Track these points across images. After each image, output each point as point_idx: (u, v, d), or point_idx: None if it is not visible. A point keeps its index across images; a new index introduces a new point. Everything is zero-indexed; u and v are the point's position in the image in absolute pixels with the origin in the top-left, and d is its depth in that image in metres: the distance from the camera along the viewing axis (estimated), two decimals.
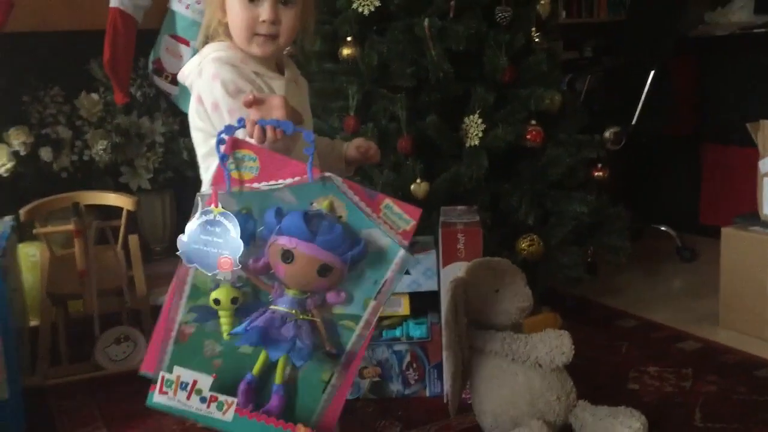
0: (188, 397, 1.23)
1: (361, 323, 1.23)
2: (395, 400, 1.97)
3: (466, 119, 2.31)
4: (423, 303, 1.96)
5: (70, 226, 2.18)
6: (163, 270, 2.39)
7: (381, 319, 1.94)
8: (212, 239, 1.21)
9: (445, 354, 1.84)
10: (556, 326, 1.78)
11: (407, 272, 1.92)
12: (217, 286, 1.23)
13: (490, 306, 1.66)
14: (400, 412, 1.90)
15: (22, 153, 2.78)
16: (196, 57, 1.45)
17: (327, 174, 1.23)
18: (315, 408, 1.24)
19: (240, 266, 1.21)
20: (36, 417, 1.95)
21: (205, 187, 1.46)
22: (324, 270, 1.20)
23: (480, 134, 2.28)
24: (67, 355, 2.21)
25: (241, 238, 1.23)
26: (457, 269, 1.76)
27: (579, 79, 3.09)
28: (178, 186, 3.15)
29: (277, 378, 1.24)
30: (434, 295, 1.92)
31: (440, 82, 2.28)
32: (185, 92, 2.98)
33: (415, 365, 1.98)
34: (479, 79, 2.34)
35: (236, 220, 1.21)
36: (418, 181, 2.23)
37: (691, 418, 1.79)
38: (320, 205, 1.21)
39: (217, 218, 1.21)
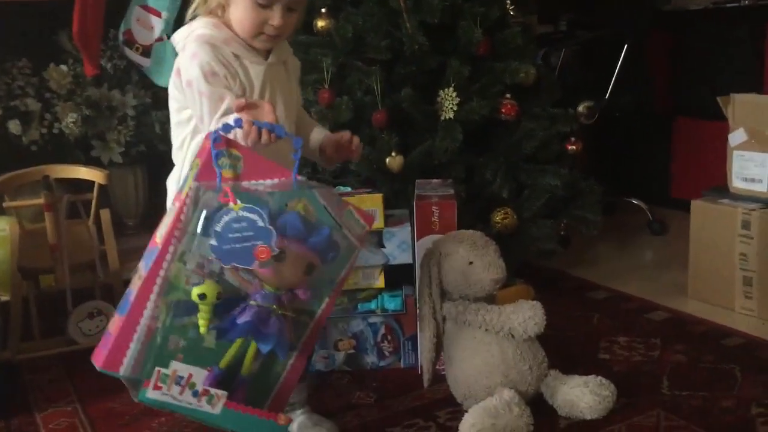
0: (181, 392, 1.24)
1: (316, 317, 1.32)
2: (370, 372, 1.99)
3: (441, 92, 2.30)
4: (398, 276, 1.97)
5: (41, 200, 2.15)
6: (135, 244, 2.36)
7: (356, 291, 1.96)
8: (242, 235, 1.23)
9: (419, 326, 1.85)
10: (529, 298, 1.80)
11: (382, 245, 1.93)
12: (199, 282, 1.23)
13: (464, 278, 1.68)
14: (374, 384, 1.92)
15: None
16: (187, 27, 1.47)
17: (309, 181, 1.32)
18: (269, 394, 1.32)
19: (278, 251, 1.23)
20: (8, 392, 1.93)
21: (174, 153, 1.50)
22: (310, 269, 1.25)
23: (455, 107, 2.28)
24: (40, 329, 2.19)
25: None
26: (432, 242, 1.77)
27: (554, 53, 3.09)
28: (151, 160, 3.11)
29: (245, 369, 1.28)
30: (409, 268, 1.93)
31: (415, 54, 2.27)
32: (157, 64, 2.94)
33: (389, 337, 1.99)
34: (454, 52, 2.33)
35: (259, 209, 1.23)
36: (393, 154, 2.23)
37: (659, 386, 1.83)
38: (294, 207, 1.26)
39: (240, 215, 1.23)
